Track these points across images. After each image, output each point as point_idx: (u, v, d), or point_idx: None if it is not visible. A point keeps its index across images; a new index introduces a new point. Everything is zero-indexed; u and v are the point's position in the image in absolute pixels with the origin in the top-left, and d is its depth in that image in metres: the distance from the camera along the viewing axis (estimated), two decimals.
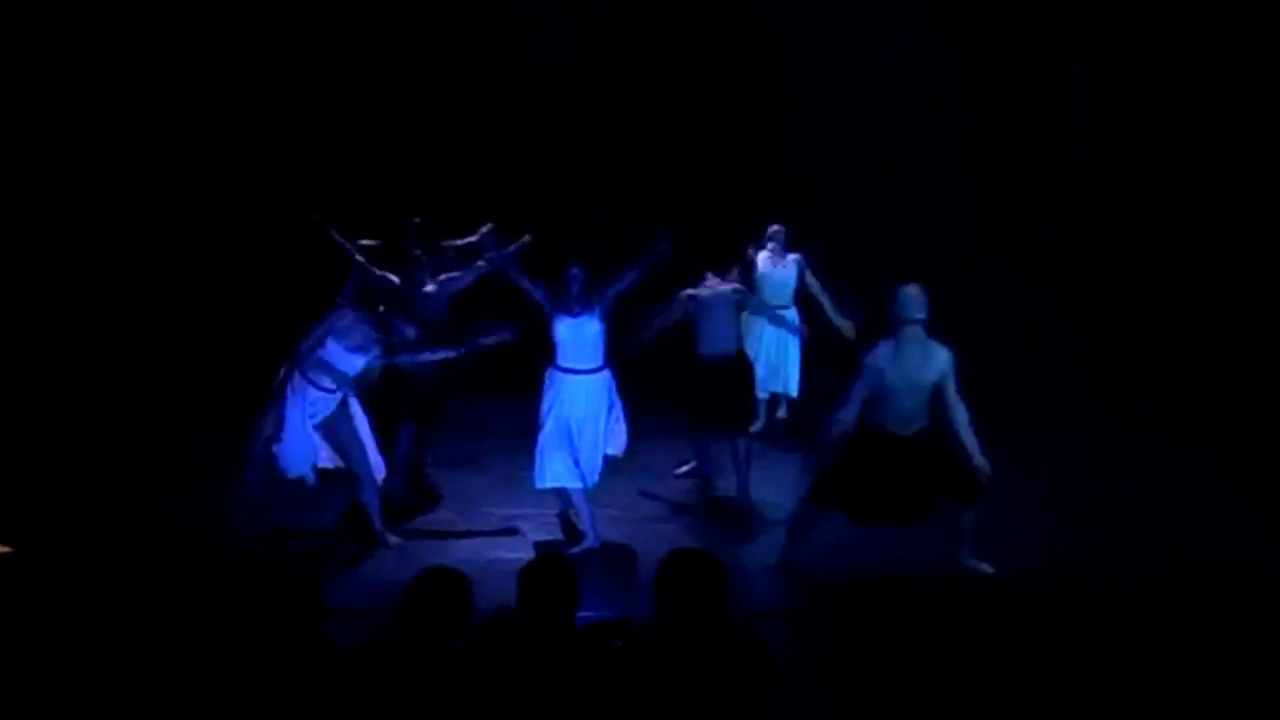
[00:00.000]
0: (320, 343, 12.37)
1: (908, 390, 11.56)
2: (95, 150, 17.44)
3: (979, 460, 11.53)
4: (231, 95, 18.13)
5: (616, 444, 13.11)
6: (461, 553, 12.25)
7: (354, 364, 12.46)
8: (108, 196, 17.51)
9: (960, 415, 11.63)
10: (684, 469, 14.97)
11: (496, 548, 12.56)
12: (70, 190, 17.22)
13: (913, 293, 11.49)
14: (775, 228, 16.07)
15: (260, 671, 6.91)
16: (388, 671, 6.82)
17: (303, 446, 12.42)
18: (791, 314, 16.21)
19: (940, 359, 11.59)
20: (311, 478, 12.52)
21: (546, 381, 12.80)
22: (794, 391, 16.43)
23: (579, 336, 12.63)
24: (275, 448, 12.30)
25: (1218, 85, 16.80)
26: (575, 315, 12.60)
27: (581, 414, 12.70)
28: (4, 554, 10.62)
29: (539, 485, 12.74)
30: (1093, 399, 15.82)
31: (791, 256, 16.12)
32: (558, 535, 12.98)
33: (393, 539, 12.72)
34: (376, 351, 12.60)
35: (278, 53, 18.17)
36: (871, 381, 11.47)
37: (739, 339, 14.52)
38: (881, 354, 11.46)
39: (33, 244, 16.64)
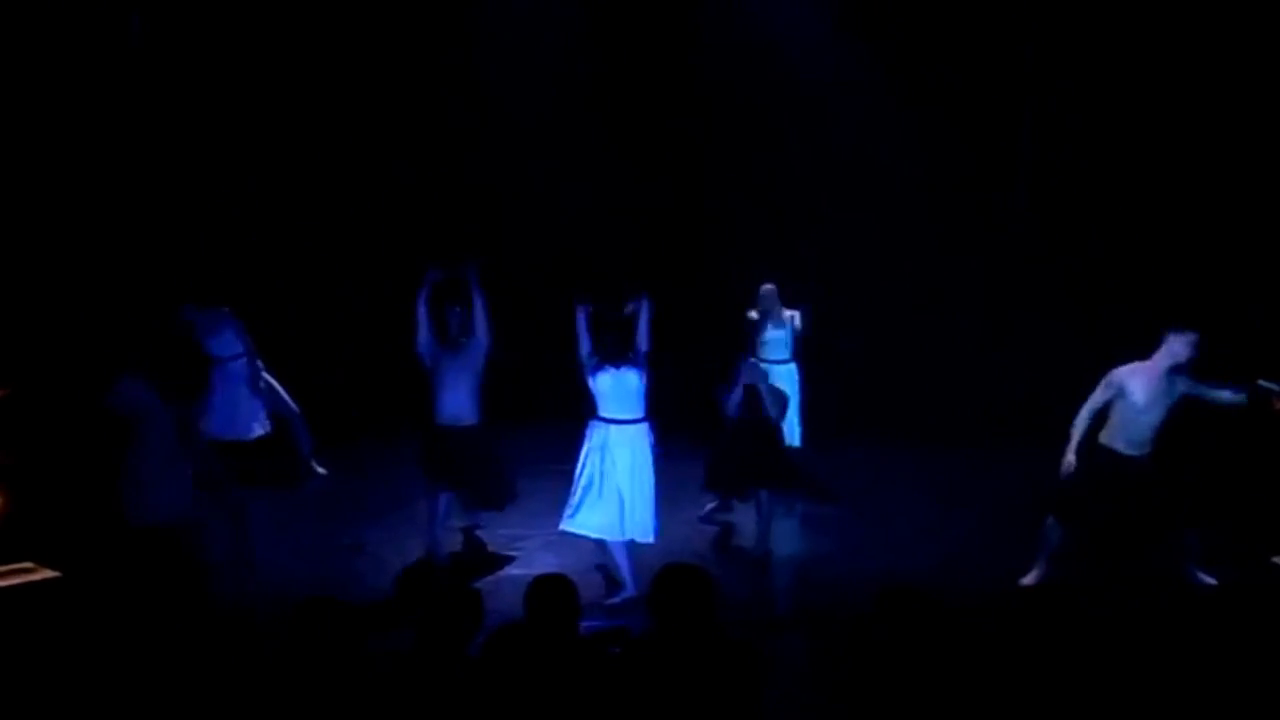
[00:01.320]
0: None
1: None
2: (152, 165, 17.30)
3: None
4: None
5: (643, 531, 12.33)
6: (475, 568, 12.49)
7: None
8: (155, 215, 17.32)
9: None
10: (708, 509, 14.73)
11: (506, 565, 12.66)
12: (117, 207, 16.96)
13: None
14: (767, 287, 15.97)
15: (296, 678, 6.93)
16: (408, 678, 6.88)
17: None
18: (791, 369, 16.07)
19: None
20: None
21: (588, 432, 12.28)
22: (798, 442, 16.10)
23: (621, 385, 12.13)
24: None
25: (1165, 110, 16.85)
26: (617, 365, 12.14)
27: (622, 468, 12.15)
28: (53, 578, 10.59)
29: (566, 528, 12.22)
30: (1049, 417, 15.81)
31: (788, 313, 16.06)
32: (562, 553, 12.84)
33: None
34: None
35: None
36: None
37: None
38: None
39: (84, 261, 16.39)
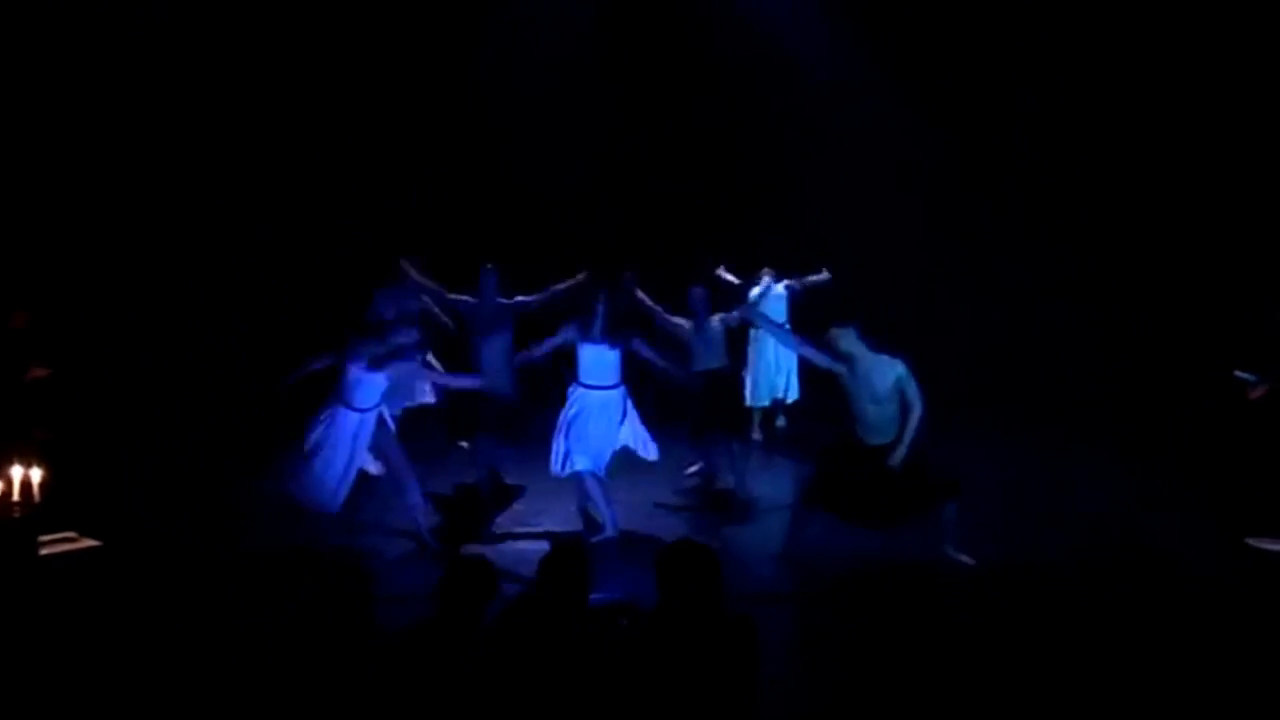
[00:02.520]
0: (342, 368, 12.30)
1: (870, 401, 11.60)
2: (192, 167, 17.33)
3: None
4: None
5: (650, 450, 13.26)
6: (490, 541, 12.40)
7: (378, 381, 12.31)
8: (199, 212, 17.40)
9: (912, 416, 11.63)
10: (691, 469, 15.04)
11: (520, 540, 12.54)
12: (162, 202, 17.07)
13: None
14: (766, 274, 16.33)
15: (318, 651, 6.88)
16: (426, 648, 6.82)
17: (331, 481, 12.24)
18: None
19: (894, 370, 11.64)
20: (333, 508, 12.30)
21: (570, 394, 13.03)
22: (795, 395, 16.60)
23: (599, 359, 12.90)
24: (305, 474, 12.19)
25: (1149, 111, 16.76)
26: (597, 342, 12.88)
27: (598, 421, 12.87)
28: (94, 547, 10.51)
29: (557, 472, 12.93)
30: (1034, 409, 15.76)
31: (785, 283, 16.35)
32: (574, 528, 12.96)
33: (432, 541, 12.61)
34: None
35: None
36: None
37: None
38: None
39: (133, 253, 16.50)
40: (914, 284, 18.15)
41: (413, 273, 14.62)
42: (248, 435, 15.45)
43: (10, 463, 9.90)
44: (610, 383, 13.00)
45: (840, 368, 11.77)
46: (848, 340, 11.82)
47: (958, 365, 17.16)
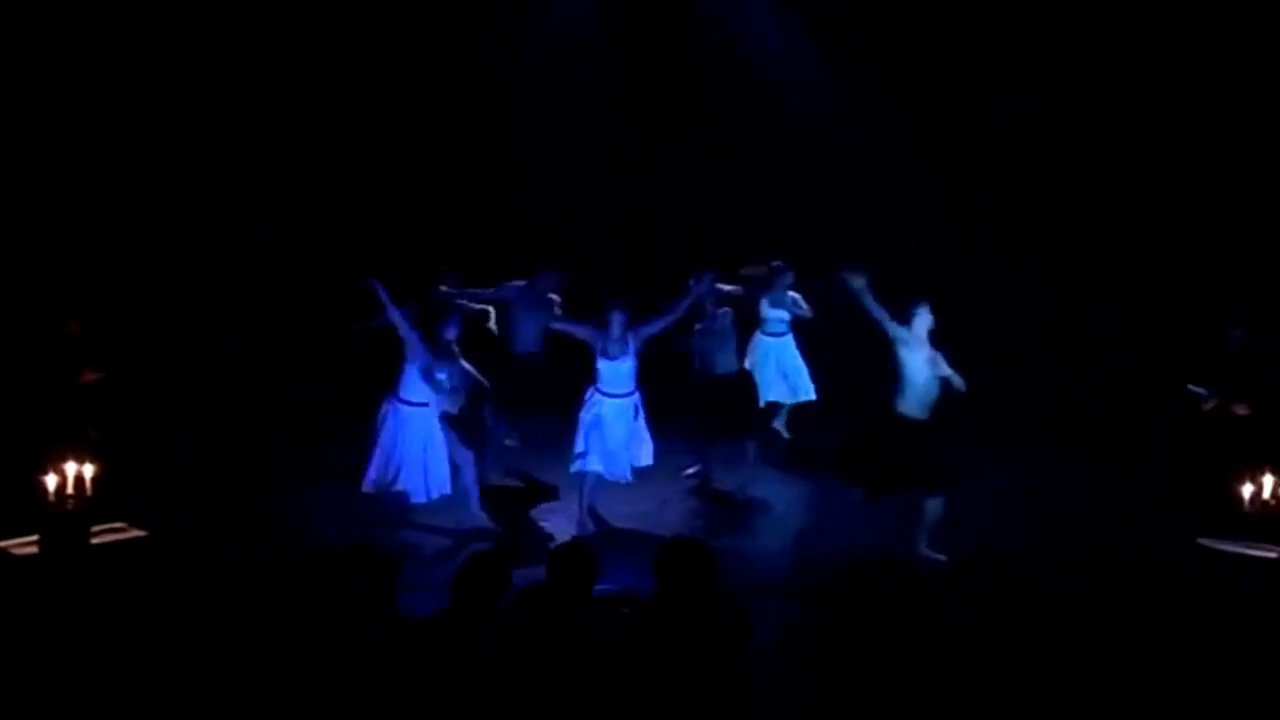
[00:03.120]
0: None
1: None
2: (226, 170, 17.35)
3: None
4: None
5: (646, 456, 13.39)
6: (503, 535, 12.59)
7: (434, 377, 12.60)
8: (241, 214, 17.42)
9: None
10: (690, 470, 14.92)
11: (530, 534, 12.74)
12: (201, 205, 17.13)
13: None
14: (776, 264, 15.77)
15: (339, 635, 7.16)
16: (441, 635, 7.05)
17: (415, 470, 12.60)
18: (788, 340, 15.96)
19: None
20: (422, 498, 12.70)
21: (587, 398, 13.18)
22: (811, 394, 16.13)
23: (616, 372, 13.06)
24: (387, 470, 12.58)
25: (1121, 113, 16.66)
26: (613, 358, 13.04)
27: (613, 428, 13.08)
28: (141, 537, 10.76)
29: (572, 469, 13.15)
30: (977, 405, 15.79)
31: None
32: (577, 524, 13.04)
33: (484, 517, 13.02)
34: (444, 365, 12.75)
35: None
36: None
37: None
38: None
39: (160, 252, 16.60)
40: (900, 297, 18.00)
41: (452, 293, 14.66)
42: (286, 433, 15.73)
43: (65, 459, 10.17)
44: (626, 390, 13.13)
45: (906, 334, 12.10)
46: (923, 317, 12.18)
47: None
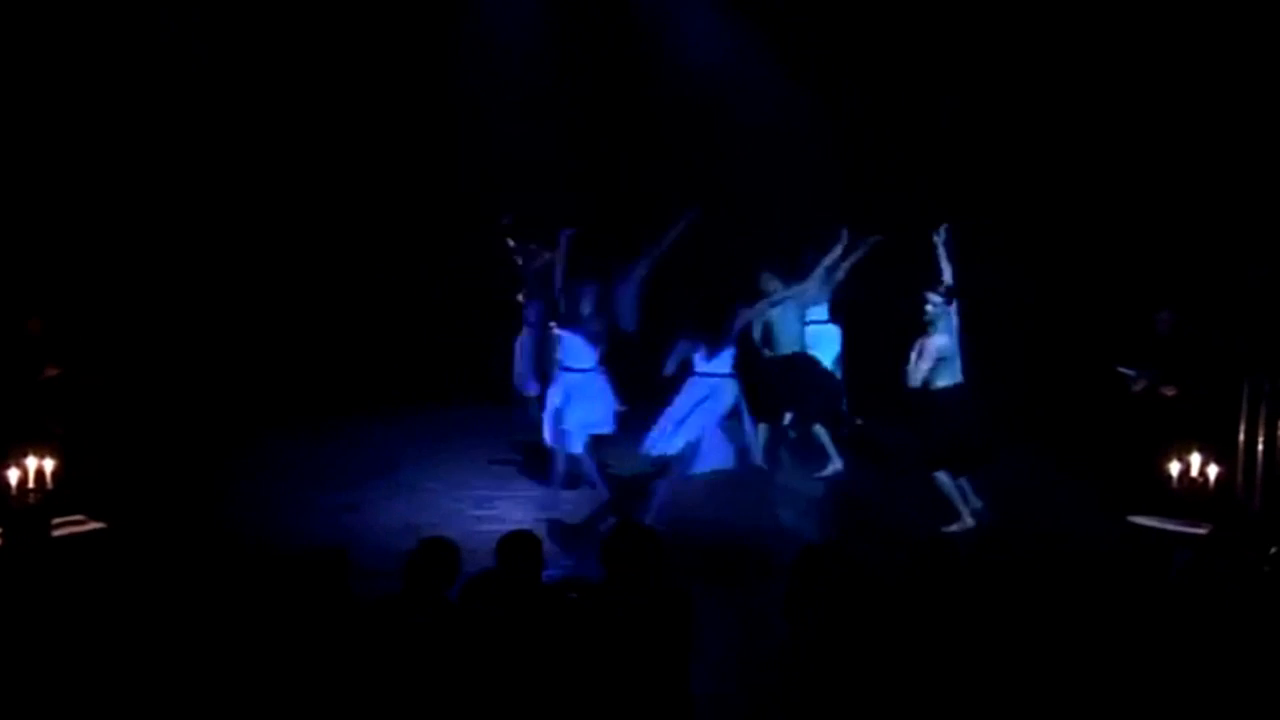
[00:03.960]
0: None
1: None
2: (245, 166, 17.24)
3: None
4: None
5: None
6: (453, 524, 12.08)
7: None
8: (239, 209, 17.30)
9: None
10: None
11: (481, 521, 12.45)
12: (196, 201, 16.99)
13: None
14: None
15: (298, 622, 7.05)
16: (395, 618, 6.96)
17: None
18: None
19: None
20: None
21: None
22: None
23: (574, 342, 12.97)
24: None
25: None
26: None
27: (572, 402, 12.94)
28: (100, 529, 10.63)
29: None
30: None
31: None
32: (528, 509, 12.95)
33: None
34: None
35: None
36: None
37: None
38: None
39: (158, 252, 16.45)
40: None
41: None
42: (238, 428, 15.65)
43: (26, 454, 10.10)
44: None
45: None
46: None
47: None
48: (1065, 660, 8.85)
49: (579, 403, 12.97)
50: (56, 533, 10.06)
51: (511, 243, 15.27)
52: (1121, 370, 12.87)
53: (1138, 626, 9.45)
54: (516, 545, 7.32)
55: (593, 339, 12.96)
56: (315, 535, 11.29)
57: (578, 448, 13.06)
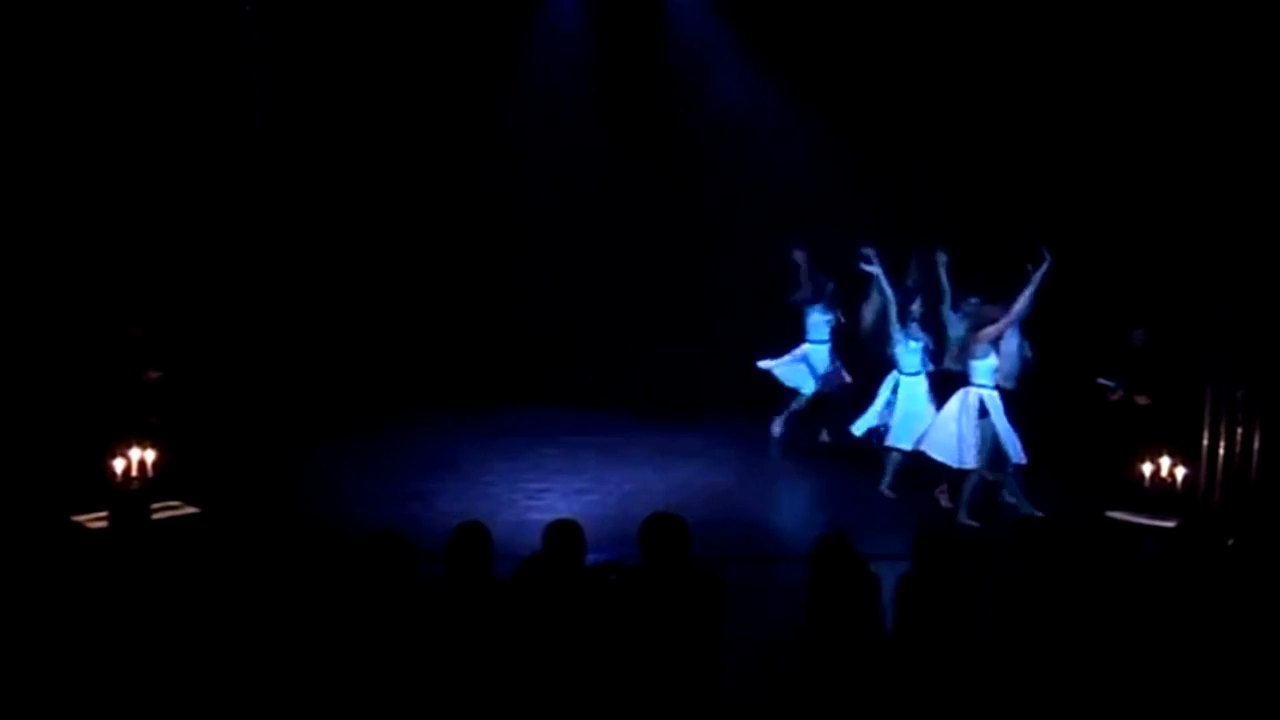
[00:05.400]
0: None
1: None
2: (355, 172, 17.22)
3: None
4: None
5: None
6: (506, 513, 12.45)
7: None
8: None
9: None
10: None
11: (531, 511, 12.62)
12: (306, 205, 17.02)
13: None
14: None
15: (364, 599, 7.12)
16: (448, 596, 7.07)
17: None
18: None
19: None
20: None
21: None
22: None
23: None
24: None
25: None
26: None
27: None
28: (193, 513, 10.76)
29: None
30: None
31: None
32: (572, 502, 12.96)
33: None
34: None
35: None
36: None
37: None
38: None
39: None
40: None
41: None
42: (318, 423, 15.81)
43: (129, 446, 10.43)
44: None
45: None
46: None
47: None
48: (1048, 638, 8.91)
49: (915, 405, 13.04)
50: (155, 516, 10.06)
51: (800, 263, 15.18)
52: (1101, 381, 12.90)
53: (1112, 606, 9.49)
54: (562, 532, 7.35)
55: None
56: (385, 522, 11.24)
57: (907, 445, 13.04)
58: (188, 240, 15.14)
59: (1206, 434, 12.37)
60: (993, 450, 12.51)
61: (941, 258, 12.82)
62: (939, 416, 12.72)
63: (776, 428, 15.78)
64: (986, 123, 16.08)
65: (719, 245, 17.76)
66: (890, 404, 13.32)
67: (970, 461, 12.47)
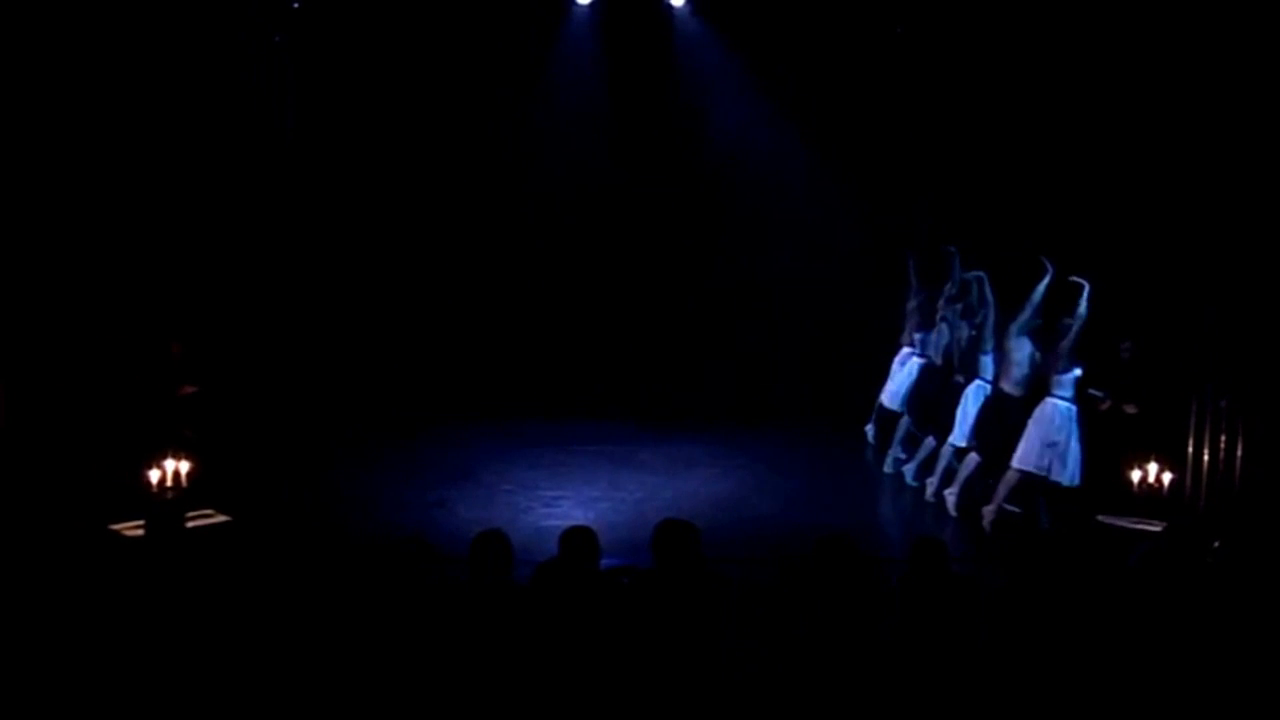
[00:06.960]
0: None
1: None
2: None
3: None
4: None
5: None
6: (524, 520, 12.35)
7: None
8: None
9: None
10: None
11: (548, 518, 12.51)
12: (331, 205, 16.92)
13: None
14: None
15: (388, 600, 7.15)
16: (470, 599, 7.10)
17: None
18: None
19: None
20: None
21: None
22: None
23: None
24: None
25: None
26: None
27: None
28: (225, 521, 10.75)
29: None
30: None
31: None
32: (588, 509, 12.85)
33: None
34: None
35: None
36: None
37: None
38: None
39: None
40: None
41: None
42: (345, 434, 15.71)
43: (165, 457, 10.41)
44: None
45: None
46: None
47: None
48: (1041, 637, 8.86)
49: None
50: (190, 524, 10.16)
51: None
52: (1090, 391, 12.83)
53: (1101, 605, 9.44)
54: (577, 538, 7.37)
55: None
56: (409, 528, 11.29)
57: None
58: (222, 258, 15.05)
59: (1192, 442, 12.34)
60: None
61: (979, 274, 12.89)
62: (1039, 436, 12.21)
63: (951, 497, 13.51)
64: (976, 139, 16.06)
65: (730, 259, 17.76)
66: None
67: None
